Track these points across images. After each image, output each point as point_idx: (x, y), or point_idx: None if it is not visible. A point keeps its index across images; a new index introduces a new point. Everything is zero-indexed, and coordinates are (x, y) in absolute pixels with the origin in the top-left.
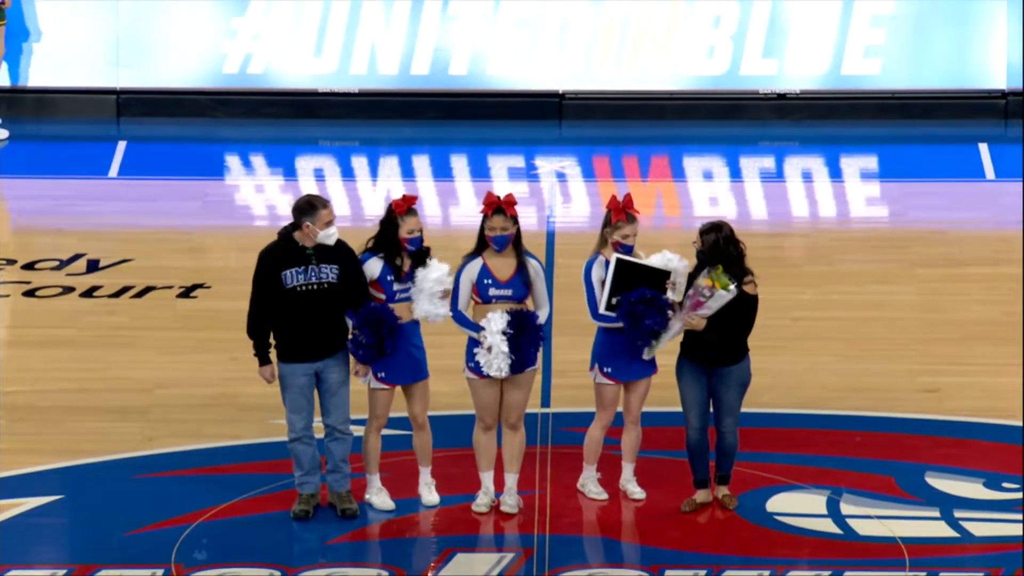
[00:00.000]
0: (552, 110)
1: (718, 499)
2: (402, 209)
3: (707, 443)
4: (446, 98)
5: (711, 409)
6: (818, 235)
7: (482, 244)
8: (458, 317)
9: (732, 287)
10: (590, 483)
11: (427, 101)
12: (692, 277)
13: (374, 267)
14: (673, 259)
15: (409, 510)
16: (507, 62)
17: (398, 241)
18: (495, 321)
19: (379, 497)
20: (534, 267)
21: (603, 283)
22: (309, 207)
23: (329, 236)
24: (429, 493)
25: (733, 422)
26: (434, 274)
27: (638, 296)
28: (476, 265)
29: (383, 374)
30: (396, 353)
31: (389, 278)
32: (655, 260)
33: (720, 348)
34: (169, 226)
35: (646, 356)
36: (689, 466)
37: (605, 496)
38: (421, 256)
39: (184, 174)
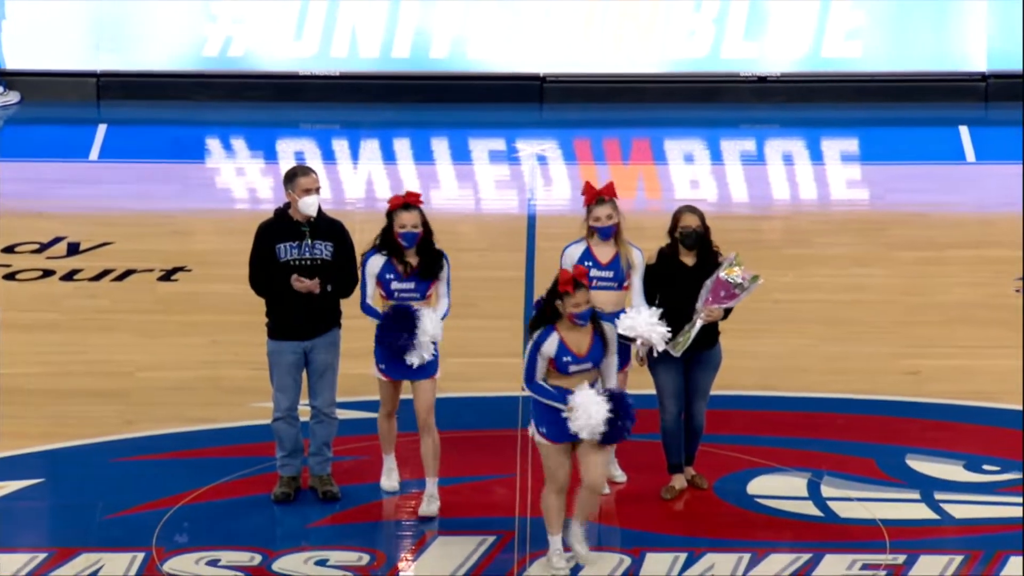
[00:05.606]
0: (533, 93)
1: (688, 480)
2: (395, 205)
3: (682, 428)
4: (427, 81)
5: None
6: (799, 218)
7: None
8: (536, 389)
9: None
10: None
11: (408, 84)
12: (662, 269)
13: (375, 264)
14: (651, 323)
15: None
16: (488, 45)
17: (394, 237)
18: (593, 403)
19: (387, 479)
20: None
21: (574, 266)
22: (290, 176)
23: (308, 205)
24: (428, 505)
25: (704, 404)
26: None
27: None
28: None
29: (384, 366)
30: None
31: (389, 276)
32: (641, 319)
33: (699, 333)
34: (150, 209)
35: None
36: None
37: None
38: (429, 255)
39: (165, 157)
